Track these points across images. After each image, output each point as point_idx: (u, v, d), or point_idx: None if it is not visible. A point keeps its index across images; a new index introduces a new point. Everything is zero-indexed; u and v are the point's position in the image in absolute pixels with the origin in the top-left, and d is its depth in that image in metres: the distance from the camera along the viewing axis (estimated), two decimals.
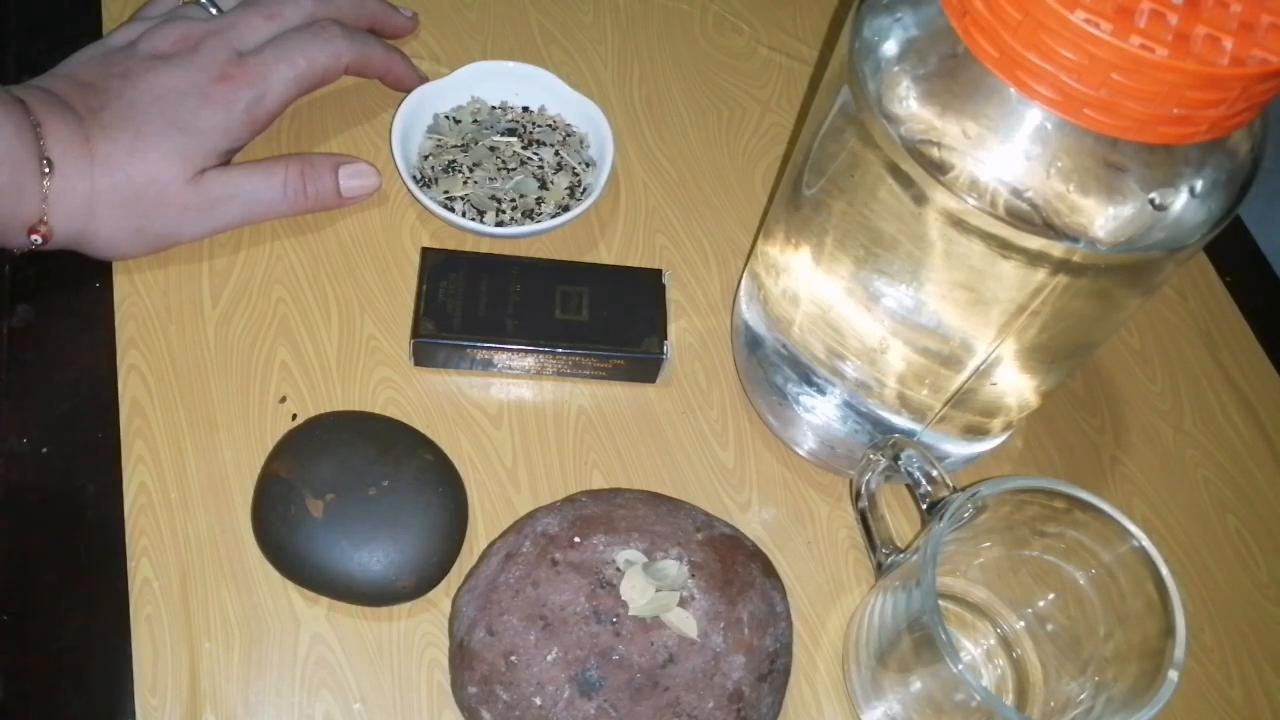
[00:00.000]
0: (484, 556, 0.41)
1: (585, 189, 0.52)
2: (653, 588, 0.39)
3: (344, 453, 0.42)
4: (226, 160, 0.48)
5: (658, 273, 0.49)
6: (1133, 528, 0.37)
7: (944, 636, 0.34)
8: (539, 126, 0.53)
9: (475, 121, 0.53)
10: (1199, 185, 0.32)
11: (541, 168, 0.52)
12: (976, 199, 0.31)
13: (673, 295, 0.51)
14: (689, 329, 0.51)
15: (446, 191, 0.50)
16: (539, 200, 0.51)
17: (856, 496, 0.43)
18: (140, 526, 0.42)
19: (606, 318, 0.47)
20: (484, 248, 0.50)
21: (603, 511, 0.41)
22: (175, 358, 0.46)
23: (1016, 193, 0.32)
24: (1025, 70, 0.29)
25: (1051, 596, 0.42)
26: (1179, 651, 0.34)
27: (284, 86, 0.48)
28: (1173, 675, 0.34)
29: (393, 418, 0.45)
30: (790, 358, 0.44)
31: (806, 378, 0.44)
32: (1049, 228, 0.31)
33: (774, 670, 0.40)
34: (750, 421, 0.49)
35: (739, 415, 0.49)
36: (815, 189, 0.38)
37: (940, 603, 0.35)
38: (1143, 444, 0.52)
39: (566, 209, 0.51)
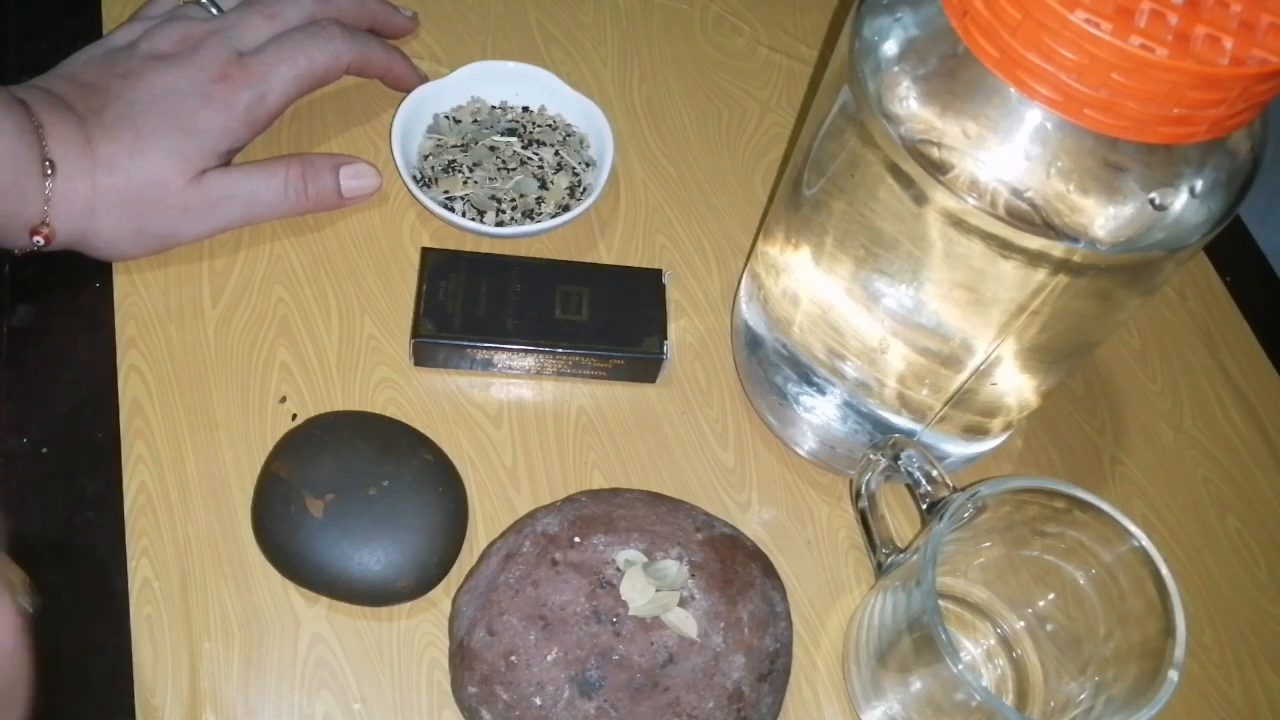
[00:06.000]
0: (484, 556, 0.41)
1: (585, 189, 0.52)
2: (653, 588, 0.39)
3: (344, 453, 0.42)
4: (227, 161, 0.48)
5: (658, 273, 0.49)
6: (1133, 528, 0.37)
7: (944, 636, 0.34)
8: (539, 126, 0.53)
9: (475, 121, 0.53)
10: (1199, 185, 0.32)
11: (541, 168, 0.52)
12: (976, 199, 0.31)
13: (673, 295, 0.51)
14: (689, 329, 0.51)
15: (446, 191, 0.50)
16: (539, 200, 0.51)
17: (856, 496, 0.43)
18: (140, 526, 0.42)
19: (606, 318, 0.47)
20: (484, 248, 0.50)
21: (603, 511, 0.41)
22: (175, 358, 0.46)
23: (1016, 193, 0.32)
24: (1025, 70, 0.29)
25: (1051, 596, 0.42)
26: (1179, 651, 0.34)
27: (284, 86, 0.48)
28: (1173, 675, 0.34)
29: (393, 418, 0.45)
30: (790, 358, 0.44)
31: (806, 378, 0.44)
32: (1049, 228, 0.31)
33: (774, 670, 0.40)
34: (750, 421, 0.49)
35: (739, 415, 0.49)
36: (815, 189, 0.38)
37: (940, 603, 0.35)
38: (1143, 444, 0.52)
39: (566, 209, 0.51)
